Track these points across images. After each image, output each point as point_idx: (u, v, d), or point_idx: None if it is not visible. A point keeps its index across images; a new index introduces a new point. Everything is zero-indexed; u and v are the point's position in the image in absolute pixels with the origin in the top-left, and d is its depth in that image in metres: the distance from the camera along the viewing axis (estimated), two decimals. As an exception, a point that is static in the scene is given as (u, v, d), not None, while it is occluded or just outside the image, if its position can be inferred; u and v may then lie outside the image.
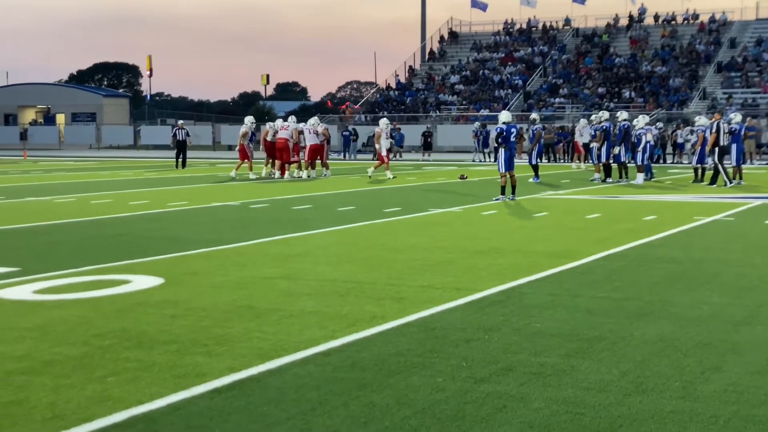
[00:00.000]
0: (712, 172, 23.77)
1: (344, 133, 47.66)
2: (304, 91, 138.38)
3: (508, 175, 18.47)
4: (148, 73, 79.13)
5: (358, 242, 12.09)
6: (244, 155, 28.15)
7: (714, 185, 22.93)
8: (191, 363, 5.78)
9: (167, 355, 6.00)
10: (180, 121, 37.65)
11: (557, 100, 56.77)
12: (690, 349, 6.11)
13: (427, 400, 5.02)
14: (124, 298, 8.03)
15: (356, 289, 8.38)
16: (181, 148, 34.15)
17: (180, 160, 33.96)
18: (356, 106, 65.25)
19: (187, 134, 34.96)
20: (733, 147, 23.59)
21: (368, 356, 5.95)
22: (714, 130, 23.73)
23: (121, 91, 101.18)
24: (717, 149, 23.57)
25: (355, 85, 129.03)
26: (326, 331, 6.63)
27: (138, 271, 9.46)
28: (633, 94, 55.01)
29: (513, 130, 18.63)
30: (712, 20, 61.15)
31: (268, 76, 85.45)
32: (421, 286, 8.57)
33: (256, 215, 15.84)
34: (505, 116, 18.81)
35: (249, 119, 28.95)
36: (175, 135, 34.84)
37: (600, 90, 56.23)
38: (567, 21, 66.98)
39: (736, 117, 24.29)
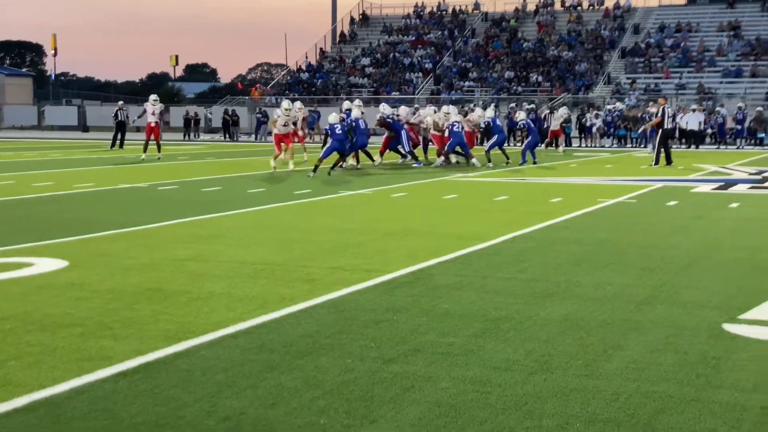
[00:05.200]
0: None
1: (257, 115, 47.25)
2: (213, 72, 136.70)
3: None
4: (53, 52, 77.10)
5: (268, 224, 12.03)
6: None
7: (656, 165, 24.61)
8: (96, 346, 5.69)
9: (71, 338, 5.89)
10: (120, 102, 37.88)
11: (467, 83, 57.21)
12: (593, 329, 6.25)
13: (335, 381, 5.03)
14: (27, 281, 7.84)
15: (266, 271, 8.34)
16: (120, 128, 34.58)
17: (119, 140, 34.18)
18: (267, 88, 64.73)
19: (127, 116, 35.44)
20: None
21: (277, 338, 5.93)
22: (659, 114, 25.33)
23: (24, 70, 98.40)
24: (660, 132, 25.21)
25: (265, 67, 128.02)
26: (235, 313, 6.59)
27: (42, 253, 9.25)
28: (540, 78, 55.76)
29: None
30: (617, 6, 62.30)
31: (177, 56, 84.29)
32: (331, 267, 8.58)
33: (165, 197, 15.63)
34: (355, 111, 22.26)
35: (153, 97, 28.49)
36: (116, 115, 35.10)
37: (508, 74, 56.85)
38: (476, 5, 67.47)
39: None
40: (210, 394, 4.78)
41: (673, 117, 26.12)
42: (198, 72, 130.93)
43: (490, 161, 24.97)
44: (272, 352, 5.59)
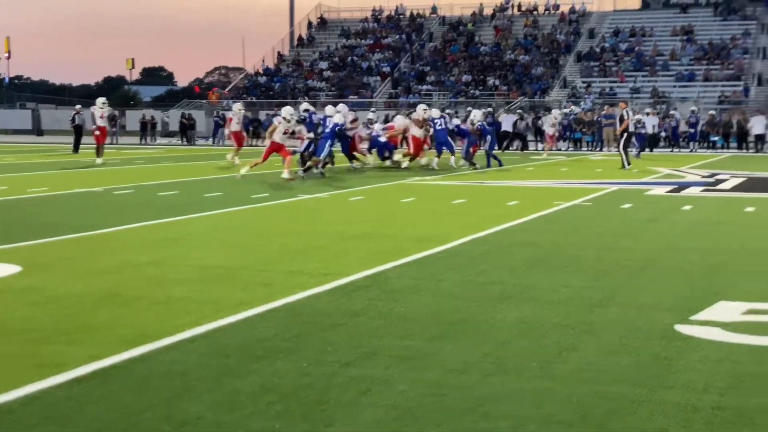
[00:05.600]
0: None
1: (214, 119, 47.05)
2: (170, 75, 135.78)
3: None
4: (6, 55, 76.07)
5: (226, 228, 12.00)
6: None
7: (629, 166, 24.98)
8: (51, 352, 5.65)
9: (26, 344, 5.84)
10: (78, 106, 37.62)
11: (424, 87, 57.41)
12: (548, 331, 6.31)
13: (292, 385, 5.04)
14: (-20, 287, 7.75)
15: (225, 275, 8.32)
16: (77, 132, 34.29)
17: (77, 145, 34.00)
18: (224, 92, 64.44)
19: (84, 120, 35.11)
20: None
21: (234, 342, 5.93)
22: (627, 117, 25.86)
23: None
24: (625, 135, 25.70)
25: (223, 71, 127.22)
26: (193, 318, 6.57)
27: (-5, 259, 9.14)
28: (497, 82, 56.10)
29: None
30: (572, 11, 62.94)
31: (133, 60, 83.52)
32: (289, 271, 8.58)
33: (122, 201, 15.51)
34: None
35: (101, 100, 28.34)
36: (73, 119, 34.89)
37: (465, 77, 57.12)
38: (434, 9, 67.78)
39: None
40: (166, 399, 4.77)
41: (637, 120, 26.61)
42: (155, 75, 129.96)
43: (499, 162, 25.87)
44: (229, 357, 5.58)
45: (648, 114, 39.25)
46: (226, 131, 27.69)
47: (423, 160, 25.28)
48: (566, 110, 43.47)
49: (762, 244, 10.64)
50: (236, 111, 27.87)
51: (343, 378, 5.17)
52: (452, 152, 25.91)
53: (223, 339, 6.02)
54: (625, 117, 25.84)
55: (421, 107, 25.91)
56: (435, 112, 26.09)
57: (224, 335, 6.13)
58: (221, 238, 10.97)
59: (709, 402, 4.76)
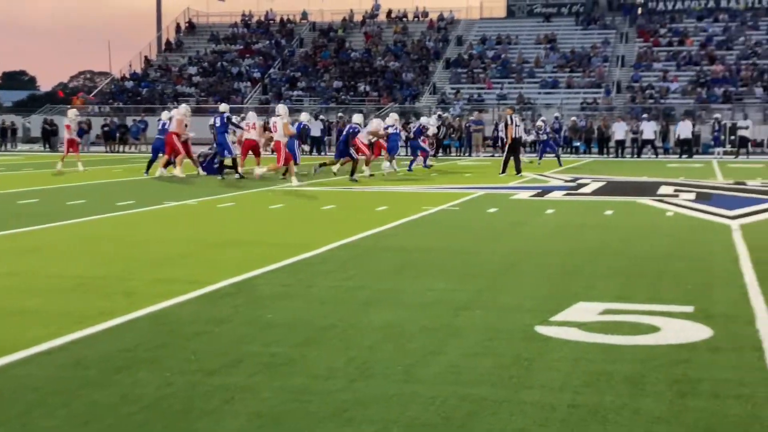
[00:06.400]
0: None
1: (79, 124, 45.75)
2: (33, 80, 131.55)
3: None
4: None
5: (89, 237, 11.69)
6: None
7: (518, 174, 25.00)
8: None
9: None
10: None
11: (295, 92, 57.28)
12: (414, 334, 6.38)
13: (154, 395, 4.95)
14: None
15: (85, 285, 8.11)
16: None
17: None
18: (89, 96, 62.83)
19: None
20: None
21: (94, 353, 5.78)
22: (510, 123, 25.89)
23: None
24: (509, 141, 25.78)
25: (88, 75, 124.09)
26: (50, 330, 6.37)
27: None
28: (368, 87, 56.45)
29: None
30: (441, 18, 63.84)
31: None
32: (153, 280, 8.41)
33: (-23, 210, 14.93)
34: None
35: None
36: None
37: (337, 83, 57.26)
38: (304, 15, 67.69)
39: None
40: (19, 414, 4.61)
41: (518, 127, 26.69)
42: (15, 79, 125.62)
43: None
44: (88, 369, 5.44)
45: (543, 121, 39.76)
46: (65, 136, 26.99)
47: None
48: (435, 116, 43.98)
49: (619, 246, 11.01)
50: (72, 117, 27.13)
51: (206, 387, 5.10)
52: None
53: (83, 350, 5.86)
54: (509, 123, 25.81)
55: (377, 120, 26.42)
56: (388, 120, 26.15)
57: (84, 347, 5.97)
58: (83, 247, 10.68)
59: (565, 400, 4.89)
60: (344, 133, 24.52)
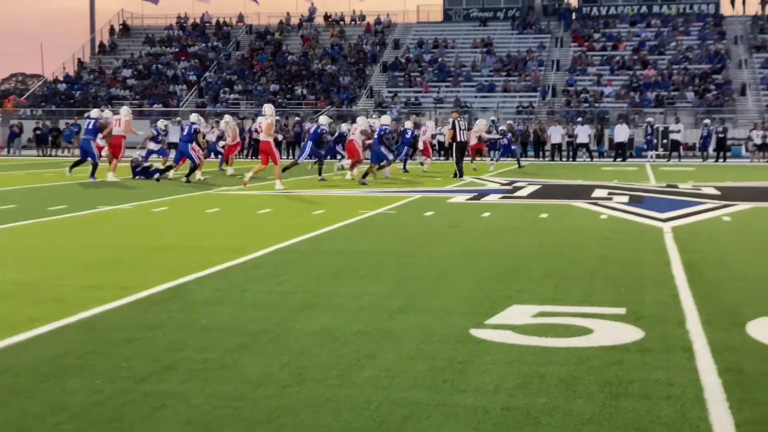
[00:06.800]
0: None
1: (10, 127, 44.98)
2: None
3: None
4: None
5: (18, 242, 11.48)
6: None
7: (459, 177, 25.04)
8: None
9: None
10: None
11: (232, 96, 56.94)
12: (349, 339, 6.36)
13: (83, 403, 4.87)
14: None
15: (13, 292, 7.95)
16: None
17: None
18: (21, 99, 61.71)
19: None
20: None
21: (23, 361, 5.67)
22: (451, 127, 26.09)
23: None
24: (455, 145, 25.99)
25: (20, 78, 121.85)
26: (-23, 338, 6.23)
27: None
28: (305, 91, 56.33)
29: None
30: (378, 22, 63.99)
31: None
32: (84, 286, 8.28)
33: None
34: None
35: None
36: None
37: (273, 87, 57.05)
38: (240, 17, 67.36)
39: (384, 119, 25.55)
40: (-56, 425, 4.50)
41: (465, 129, 26.91)
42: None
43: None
44: (17, 376, 5.33)
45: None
46: None
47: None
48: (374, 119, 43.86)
49: (553, 248, 11.12)
50: None
51: (137, 394, 5.03)
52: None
53: (11, 358, 5.75)
54: (457, 127, 25.88)
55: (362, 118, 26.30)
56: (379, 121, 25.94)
57: (12, 354, 5.85)
58: (11, 253, 10.48)
59: (498, 403, 4.91)
60: (311, 133, 24.46)
